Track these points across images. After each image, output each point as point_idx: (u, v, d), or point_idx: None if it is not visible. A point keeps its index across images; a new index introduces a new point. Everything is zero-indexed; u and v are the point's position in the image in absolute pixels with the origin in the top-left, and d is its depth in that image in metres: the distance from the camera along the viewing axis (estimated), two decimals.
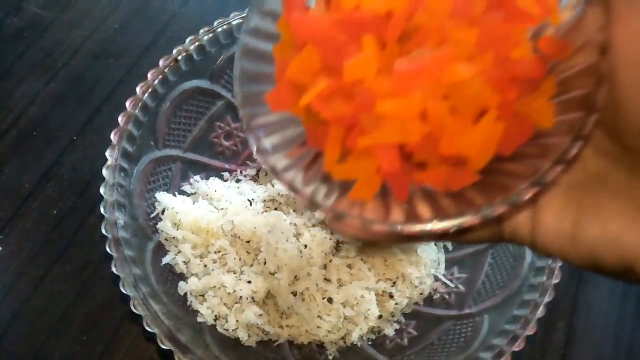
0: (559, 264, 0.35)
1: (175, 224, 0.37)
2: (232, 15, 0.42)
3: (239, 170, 0.46)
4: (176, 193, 0.40)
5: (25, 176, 0.49)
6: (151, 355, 0.42)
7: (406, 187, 0.20)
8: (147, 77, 0.39)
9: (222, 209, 0.40)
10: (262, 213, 0.40)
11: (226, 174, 0.45)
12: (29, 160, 0.49)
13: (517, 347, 0.32)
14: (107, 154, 0.36)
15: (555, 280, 0.34)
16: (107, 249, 0.33)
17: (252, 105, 0.22)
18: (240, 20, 0.41)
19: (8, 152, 0.49)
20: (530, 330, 0.32)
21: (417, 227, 0.19)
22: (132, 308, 0.31)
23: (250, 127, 0.21)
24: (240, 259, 0.38)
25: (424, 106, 0.18)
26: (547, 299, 0.33)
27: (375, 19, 0.18)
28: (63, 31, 0.56)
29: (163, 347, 0.31)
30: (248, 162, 0.46)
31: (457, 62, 0.17)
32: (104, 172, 0.35)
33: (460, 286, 0.40)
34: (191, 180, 0.42)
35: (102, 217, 0.46)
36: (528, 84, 0.18)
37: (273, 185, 0.42)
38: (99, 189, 0.47)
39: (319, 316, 0.36)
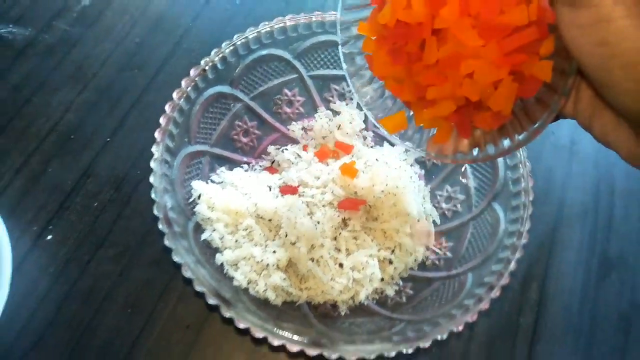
0: (527, 227, 0.43)
1: (210, 207, 0.44)
2: (247, 30, 0.49)
3: (255, 162, 0.53)
4: (208, 181, 0.48)
5: (67, 174, 0.55)
6: (187, 324, 0.49)
7: (469, 128, 0.31)
8: (181, 85, 0.46)
9: (245, 194, 0.47)
10: (279, 197, 0.47)
11: (245, 166, 0.52)
12: (69, 160, 0.56)
13: (494, 295, 0.39)
14: (153, 149, 0.43)
15: (523, 241, 0.42)
16: (159, 227, 0.40)
17: None
18: (256, 35, 0.49)
19: (50, 153, 0.56)
20: (504, 281, 0.40)
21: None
22: (183, 273, 0.38)
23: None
24: (264, 235, 0.45)
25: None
26: (517, 255, 0.41)
27: None
28: (90, 46, 0.63)
29: (210, 302, 0.38)
30: (263, 155, 0.54)
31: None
32: (152, 164, 0.42)
33: (448, 253, 0.48)
34: (217, 171, 0.49)
35: (136, 208, 0.53)
36: (533, 46, 0.27)
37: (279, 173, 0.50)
38: (133, 184, 0.54)
39: (332, 279, 0.43)
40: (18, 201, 0.53)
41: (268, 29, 0.49)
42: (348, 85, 0.54)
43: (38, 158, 0.56)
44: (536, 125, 0.30)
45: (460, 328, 0.37)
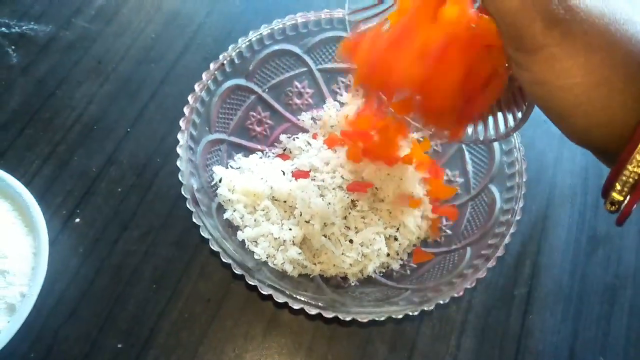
0: (521, 205, 0.47)
1: (230, 190, 0.48)
2: (262, 27, 0.53)
3: (268, 150, 0.57)
4: (227, 167, 0.52)
5: (92, 162, 0.59)
6: (208, 298, 0.53)
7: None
8: (202, 78, 0.50)
9: (261, 178, 0.51)
10: (292, 181, 0.51)
11: (259, 153, 0.56)
12: (93, 148, 0.60)
13: (490, 265, 0.44)
14: (178, 136, 0.47)
15: (517, 217, 0.46)
16: (187, 206, 0.44)
17: None
18: (269, 31, 0.52)
19: (76, 143, 0.60)
20: (500, 252, 0.44)
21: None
22: (211, 246, 0.42)
23: None
24: (280, 215, 0.49)
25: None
26: (511, 230, 0.45)
27: None
28: (109, 41, 0.67)
29: (236, 272, 0.42)
30: (275, 144, 0.58)
31: None
32: (179, 150, 0.46)
33: (449, 231, 0.52)
34: (235, 158, 0.54)
35: (158, 192, 0.57)
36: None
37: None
38: (154, 170, 0.58)
39: (343, 253, 0.48)
40: (47, 187, 0.57)
41: (280, 25, 0.53)
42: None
43: (64, 147, 0.60)
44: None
45: (461, 293, 0.42)
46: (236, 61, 0.51)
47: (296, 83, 0.58)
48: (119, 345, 0.50)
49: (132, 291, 0.53)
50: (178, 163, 0.45)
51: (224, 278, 0.52)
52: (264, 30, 0.52)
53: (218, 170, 0.50)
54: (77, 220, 0.56)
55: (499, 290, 0.55)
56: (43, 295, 0.48)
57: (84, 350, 0.50)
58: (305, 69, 0.57)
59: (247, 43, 0.52)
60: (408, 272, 0.50)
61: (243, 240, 0.47)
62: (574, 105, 0.26)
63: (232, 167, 0.52)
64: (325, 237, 0.47)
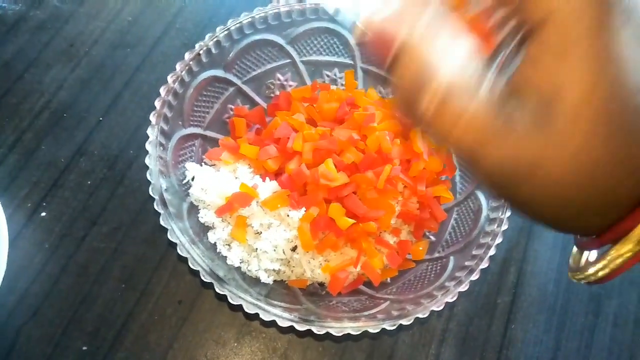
0: (507, 214, 0.45)
1: (203, 189, 0.46)
2: (242, 15, 0.50)
3: None
4: (202, 164, 0.49)
5: (60, 152, 0.56)
6: (179, 299, 0.50)
7: None
8: (174, 67, 0.47)
9: (236, 177, 0.48)
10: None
11: None
12: (62, 138, 0.57)
13: (473, 277, 0.42)
14: (148, 131, 0.44)
15: (503, 227, 0.44)
16: (155, 207, 0.41)
17: None
18: (250, 20, 0.49)
19: (44, 131, 0.56)
20: (484, 264, 0.42)
21: None
22: (179, 251, 0.40)
23: None
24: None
25: None
26: (497, 241, 0.43)
27: None
28: (82, 23, 0.63)
29: (205, 280, 0.39)
30: None
31: None
32: (148, 147, 0.43)
33: (432, 237, 0.50)
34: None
35: (130, 186, 0.55)
36: None
37: None
38: (126, 163, 0.55)
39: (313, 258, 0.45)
40: (12, 178, 0.54)
41: (262, 14, 0.49)
42: (340, 72, 0.55)
43: (31, 135, 0.56)
44: None
45: (441, 308, 0.40)
46: (214, 51, 0.48)
47: (278, 75, 0.55)
48: (84, 348, 0.48)
49: (100, 291, 0.50)
50: (147, 161, 0.43)
51: (196, 279, 0.50)
52: (244, 18, 0.49)
53: (191, 168, 0.47)
54: (43, 214, 0.53)
55: (482, 297, 0.53)
56: (4, 293, 0.46)
57: (47, 351, 0.47)
58: (288, 60, 0.54)
59: (226, 32, 0.48)
60: (388, 280, 0.48)
61: (215, 244, 0.45)
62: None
63: (207, 163, 0.50)
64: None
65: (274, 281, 0.45)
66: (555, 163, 0.19)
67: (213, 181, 0.46)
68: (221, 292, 0.38)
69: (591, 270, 0.23)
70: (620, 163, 0.18)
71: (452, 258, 0.46)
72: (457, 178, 0.51)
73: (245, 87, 0.53)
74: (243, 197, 0.43)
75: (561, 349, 0.52)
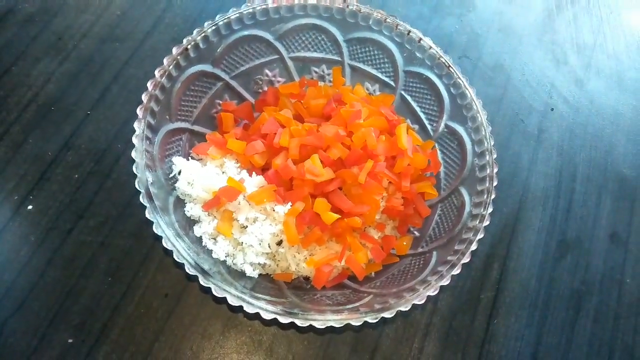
0: (489, 211, 0.45)
1: (190, 183, 0.46)
2: (230, 10, 0.50)
3: None
4: (188, 158, 0.49)
5: (48, 145, 0.56)
6: (166, 293, 0.51)
7: None
8: (163, 62, 0.47)
9: (223, 172, 0.49)
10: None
11: None
12: (50, 131, 0.56)
13: (455, 272, 0.42)
14: (135, 125, 0.44)
15: (485, 223, 0.44)
16: (141, 200, 0.41)
17: None
18: (238, 15, 0.49)
19: (31, 124, 0.56)
20: (466, 259, 0.43)
21: None
22: (164, 244, 0.40)
23: None
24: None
25: None
26: (479, 236, 0.44)
27: None
28: (71, 16, 0.63)
29: (189, 272, 0.40)
30: None
31: None
32: (134, 140, 0.43)
33: (416, 232, 0.51)
34: None
35: (117, 180, 0.55)
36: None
37: None
38: (114, 157, 0.55)
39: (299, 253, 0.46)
40: None
41: (250, 10, 0.50)
42: (328, 68, 0.55)
43: (18, 128, 0.56)
44: None
45: (423, 301, 0.40)
46: (201, 46, 0.48)
47: (267, 71, 0.55)
48: (70, 340, 0.48)
49: (86, 284, 0.50)
50: (133, 154, 0.43)
51: (182, 273, 0.50)
52: (232, 14, 0.49)
53: (178, 162, 0.47)
54: (30, 207, 0.53)
55: (465, 293, 0.54)
56: None
57: (32, 344, 0.47)
58: (276, 56, 0.54)
59: (214, 27, 0.49)
60: (372, 274, 0.48)
61: (201, 237, 0.45)
62: None
63: (194, 158, 0.50)
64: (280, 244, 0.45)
65: (260, 275, 0.46)
66: None
67: (199, 175, 0.46)
68: (205, 285, 0.39)
69: None
70: None
71: (435, 253, 0.46)
72: (442, 175, 0.52)
73: (233, 83, 0.53)
74: (230, 191, 0.43)
75: (542, 343, 0.53)
